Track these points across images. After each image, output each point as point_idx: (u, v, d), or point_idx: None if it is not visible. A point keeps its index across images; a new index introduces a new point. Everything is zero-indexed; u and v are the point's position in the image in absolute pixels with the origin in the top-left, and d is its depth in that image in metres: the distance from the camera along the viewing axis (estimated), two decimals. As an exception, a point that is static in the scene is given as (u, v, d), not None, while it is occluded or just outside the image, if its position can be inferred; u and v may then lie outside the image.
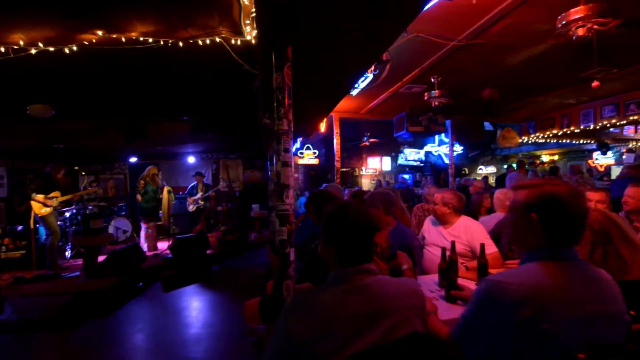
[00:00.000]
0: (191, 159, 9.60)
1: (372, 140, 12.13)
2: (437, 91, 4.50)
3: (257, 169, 10.42)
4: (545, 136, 7.33)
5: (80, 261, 6.09)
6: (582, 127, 6.27)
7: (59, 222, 5.73)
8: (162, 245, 7.33)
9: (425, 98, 4.63)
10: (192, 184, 8.50)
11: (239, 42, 2.67)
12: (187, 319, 3.94)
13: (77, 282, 4.40)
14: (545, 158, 14.42)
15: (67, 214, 6.34)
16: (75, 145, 6.61)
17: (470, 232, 2.64)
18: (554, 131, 6.85)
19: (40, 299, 4.17)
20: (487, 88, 5.11)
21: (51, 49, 2.35)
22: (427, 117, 6.32)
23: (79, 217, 6.79)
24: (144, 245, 6.57)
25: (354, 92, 4.51)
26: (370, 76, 3.71)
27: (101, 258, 4.93)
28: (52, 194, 5.59)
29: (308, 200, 4.03)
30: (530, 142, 8.14)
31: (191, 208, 8.46)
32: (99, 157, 8.88)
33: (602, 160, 12.30)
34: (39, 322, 3.65)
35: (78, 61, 2.90)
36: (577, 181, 5.92)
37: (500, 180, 8.51)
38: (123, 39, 2.37)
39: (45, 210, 5.43)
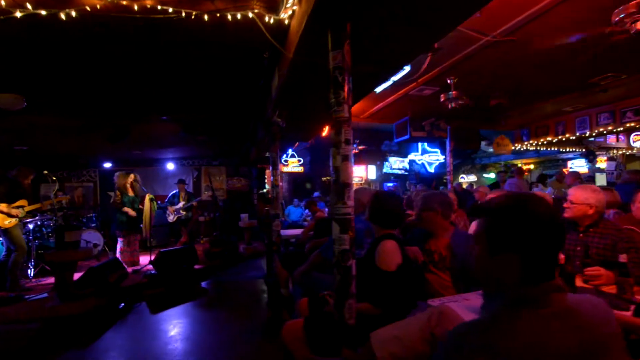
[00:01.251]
0: (170, 166, 8.89)
1: (360, 147, 11.92)
2: (454, 92, 4.30)
3: (242, 177, 9.85)
4: (539, 143, 7.41)
5: (46, 280, 5.28)
6: (577, 134, 6.37)
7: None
8: (142, 259, 6.59)
9: (442, 100, 4.41)
10: (173, 192, 7.81)
11: (271, 21, 2.27)
12: (179, 347, 3.36)
13: (48, 306, 3.69)
14: (522, 167, 14.92)
15: (30, 226, 5.50)
16: (41, 148, 5.82)
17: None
18: (549, 138, 6.93)
19: (2, 328, 3.43)
20: (497, 92, 5.00)
21: (43, 12, 1.83)
22: (430, 122, 6.16)
23: (45, 230, 5.95)
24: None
25: (379, 89, 4.21)
26: (407, 68, 3.43)
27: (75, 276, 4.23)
28: (17, 203, 4.79)
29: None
30: (522, 149, 8.22)
31: (171, 218, 7.76)
32: (65, 162, 7.97)
33: (576, 168, 12.86)
34: (2, 356, 2.95)
35: (64, 38, 2.37)
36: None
37: (494, 187, 8.60)
38: (136, 7, 1.91)
39: (10, 222, 4.62)
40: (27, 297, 4.28)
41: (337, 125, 1.84)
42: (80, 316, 3.73)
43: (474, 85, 4.67)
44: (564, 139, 6.76)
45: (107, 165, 8.11)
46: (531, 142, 7.41)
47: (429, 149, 14.72)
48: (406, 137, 6.10)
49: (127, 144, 5.17)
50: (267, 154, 7.67)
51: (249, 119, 5.15)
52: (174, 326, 3.80)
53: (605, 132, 6.10)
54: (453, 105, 4.34)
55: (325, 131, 6.06)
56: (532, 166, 14.96)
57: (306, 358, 1.88)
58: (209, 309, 4.44)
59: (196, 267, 5.90)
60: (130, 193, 5.97)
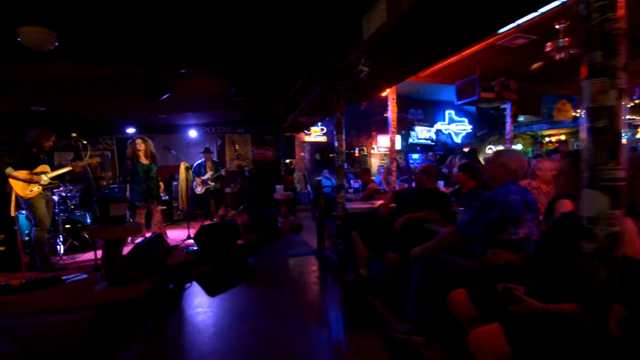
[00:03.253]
0: (193, 133, 8.17)
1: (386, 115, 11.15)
2: (566, 40, 3.57)
3: (269, 145, 9.16)
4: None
5: (78, 257, 4.76)
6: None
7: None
8: (171, 233, 6.06)
9: (548, 49, 3.68)
10: (198, 162, 7.16)
11: None
12: (255, 336, 2.84)
13: (97, 291, 3.15)
14: (552, 138, 14.23)
15: (55, 197, 4.89)
16: (61, 109, 5.09)
17: None
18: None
19: (45, 318, 2.90)
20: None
21: None
22: (500, 82, 5.43)
23: (74, 201, 5.36)
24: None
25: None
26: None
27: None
28: (38, 168, 4.16)
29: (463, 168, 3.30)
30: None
31: (199, 190, 7.15)
32: (82, 128, 7.23)
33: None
34: (59, 357, 2.43)
35: None
36: None
37: (538, 157, 8.04)
38: None
39: (32, 191, 4.03)
40: (64, 277, 3.74)
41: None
42: (136, 301, 3.20)
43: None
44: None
45: (130, 130, 7.38)
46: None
47: (456, 117, 13.95)
48: (473, 98, 5.38)
49: (159, 104, 4.45)
50: (305, 120, 6.95)
51: (302, 71, 4.41)
52: (240, 312, 3.28)
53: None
54: (562, 56, 3.62)
55: (386, 92, 5.33)
56: (563, 137, 14.27)
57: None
58: (269, 290, 3.93)
59: (238, 242, 5.39)
60: (144, 160, 5.31)
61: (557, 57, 3.67)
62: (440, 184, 4.82)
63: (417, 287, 2.36)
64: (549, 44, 3.70)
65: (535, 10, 2.44)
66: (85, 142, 4.24)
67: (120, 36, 2.97)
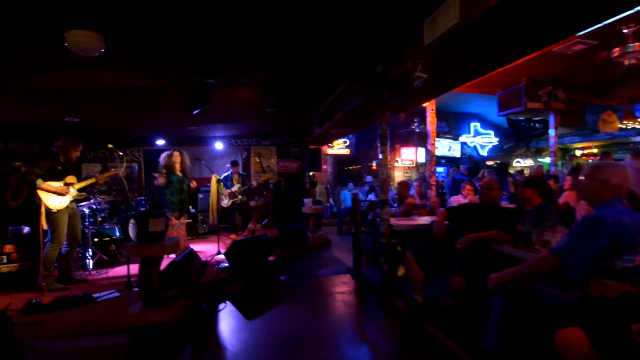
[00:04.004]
0: (219, 145, 8.08)
1: (413, 127, 10.91)
2: (636, 44, 3.28)
3: (294, 158, 8.99)
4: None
5: (106, 272, 4.57)
6: None
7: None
8: (197, 248, 5.84)
9: (616, 54, 3.40)
10: (225, 174, 7.01)
11: None
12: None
13: (132, 313, 2.94)
14: (584, 151, 13.65)
15: (86, 210, 4.78)
16: (94, 120, 5.03)
17: None
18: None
19: (78, 342, 2.69)
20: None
21: None
22: (547, 91, 5.13)
23: (103, 214, 5.24)
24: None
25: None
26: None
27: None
28: (66, 180, 3.98)
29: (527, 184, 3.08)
30: (629, 127, 7.10)
31: (225, 203, 6.97)
32: (110, 140, 7.22)
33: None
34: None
35: None
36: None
37: (574, 171, 7.60)
38: None
39: (61, 203, 3.87)
40: (95, 295, 3.55)
41: None
42: (172, 324, 2.97)
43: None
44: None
45: (160, 142, 7.32)
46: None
47: (482, 130, 13.58)
48: (519, 108, 5.09)
49: (194, 115, 4.32)
50: (335, 132, 6.76)
51: (341, 80, 4.23)
52: (281, 338, 3.00)
53: None
54: (632, 62, 3.32)
55: (427, 103, 5.09)
56: (595, 150, 13.67)
57: None
58: (309, 313, 3.64)
59: (270, 258, 5.15)
60: (178, 172, 5.17)
61: (626, 62, 3.37)
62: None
63: (500, 319, 2.06)
64: (616, 49, 3.41)
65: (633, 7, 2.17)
66: (121, 153, 4.11)
67: (168, 43, 2.84)
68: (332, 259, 5.84)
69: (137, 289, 3.72)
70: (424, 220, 4.24)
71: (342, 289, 4.37)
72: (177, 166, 5.17)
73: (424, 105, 5.28)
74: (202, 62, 3.31)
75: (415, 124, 10.37)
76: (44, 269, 3.79)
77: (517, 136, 11.96)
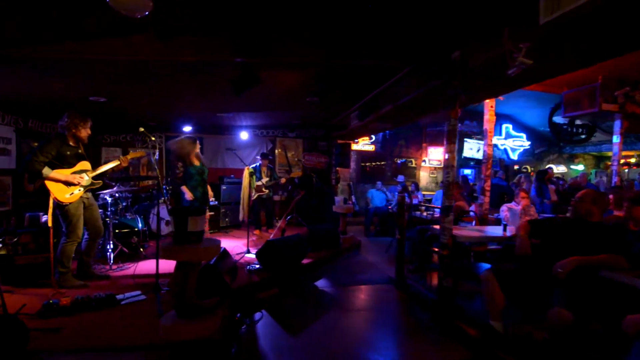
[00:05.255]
0: (244, 135, 7.62)
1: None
2: None
3: (321, 152, 8.51)
4: None
5: (128, 267, 4.19)
6: None
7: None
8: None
9: None
10: (254, 166, 6.56)
11: None
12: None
13: (165, 326, 2.51)
14: (621, 160, 12.86)
15: (108, 198, 4.38)
16: (121, 99, 4.60)
17: None
18: None
19: (104, 358, 2.28)
20: None
21: None
22: (624, 92, 4.54)
23: (124, 203, 4.84)
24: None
25: None
26: None
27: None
28: (77, 166, 3.50)
29: None
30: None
31: (251, 196, 6.54)
32: (133, 124, 6.85)
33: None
34: None
35: None
36: None
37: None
38: None
39: (73, 194, 3.41)
40: (119, 297, 3.15)
41: None
42: (209, 342, 2.54)
43: None
44: None
45: (187, 129, 6.92)
46: None
47: (513, 132, 12.89)
48: (592, 110, 4.50)
49: (230, 101, 3.89)
50: (377, 126, 6.23)
51: (402, 66, 3.71)
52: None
53: None
54: None
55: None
56: (633, 159, 12.89)
57: None
58: (356, 331, 3.19)
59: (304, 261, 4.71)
60: (196, 162, 4.60)
61: None
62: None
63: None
64: None
65: None
66: (153, 137, 3.66)
67: (217, 12, 2.37)
68: (366, 264, 5.37)
69: (165, 290, 3.34)
70: (492, 230, 3.74)
71: (387, 302, 3.90)
72: (194, 156, 4.59)
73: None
74: (252, 34, 2.83)
75: (467, 122, 9.74)
76: (61, 266, 3.40)
77: (558, 140, 11.24)
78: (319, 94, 4.24)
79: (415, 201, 7.33)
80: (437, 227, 4.30)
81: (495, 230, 4.02)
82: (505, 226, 3.79)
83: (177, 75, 3.49)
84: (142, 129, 3.42)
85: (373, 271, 5.04)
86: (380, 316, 3.55)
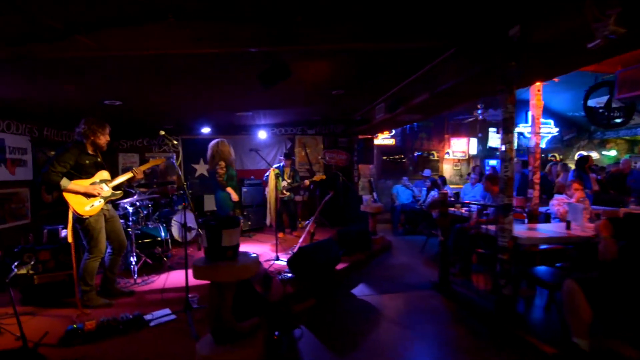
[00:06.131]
0: (262, 134, 7.31)
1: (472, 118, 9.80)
2: None
3: (342, 149, 8.15)
4: None
5: (153, 281, 3.93)
6: None
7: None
8: (244, 248, 5.13)
9: None
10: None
11: None
12: None
13: (203, 354, 2.21)
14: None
15: (129, 207, 4.14)
16: (137, 102, 4.34)
17: None
18: None
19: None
20: None
21: None
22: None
23: (145, 211, 4.59)
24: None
25: None
26: None
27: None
28: (96, 176, 3.24)
29: None
30: None
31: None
32: (149, 128, 6.62)
33: None
34: None
35: None
36: None
37: None
38: None
39: (93, 207, 3.14)
40: (147, 317, 2.87)
41: None
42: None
43: None
44: None
45: (205, 130, 6.66)
46: None
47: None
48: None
49: (252, 98, 3.57)
50: (407, 118, 5.82)
51: (446, 47, 3.31)
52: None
53: None
54: None
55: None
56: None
57: None
58: (411, 351, 2.84)
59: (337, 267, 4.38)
60: (233, 166, 4.33)
61: None
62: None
63: None
64: None
65: None
66: (175, 142, 3.37)
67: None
68: (402, 267, 5.01)
69: (195, 307, 3.06)
70: (546, 228, 3.34)
71: (436, 312, 3.53)
72: (228, 157, 4.36)
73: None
74: (284, 17, 2.48)
75: (479, 111, 9.23)
76: (84, 284, 3.14)
77: (596, 126, 10.61)
78: (346, 86, 3.89)
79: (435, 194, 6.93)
80: (484, 226, 3.92)
81: (550, 228, 3.61)
82: (569, 223, 3.38)
83: (197, 71, 3.18)
84: (162, 132, 3.14)
85: (411, 275, 4.68)
86: (431, 329, 3.18)
